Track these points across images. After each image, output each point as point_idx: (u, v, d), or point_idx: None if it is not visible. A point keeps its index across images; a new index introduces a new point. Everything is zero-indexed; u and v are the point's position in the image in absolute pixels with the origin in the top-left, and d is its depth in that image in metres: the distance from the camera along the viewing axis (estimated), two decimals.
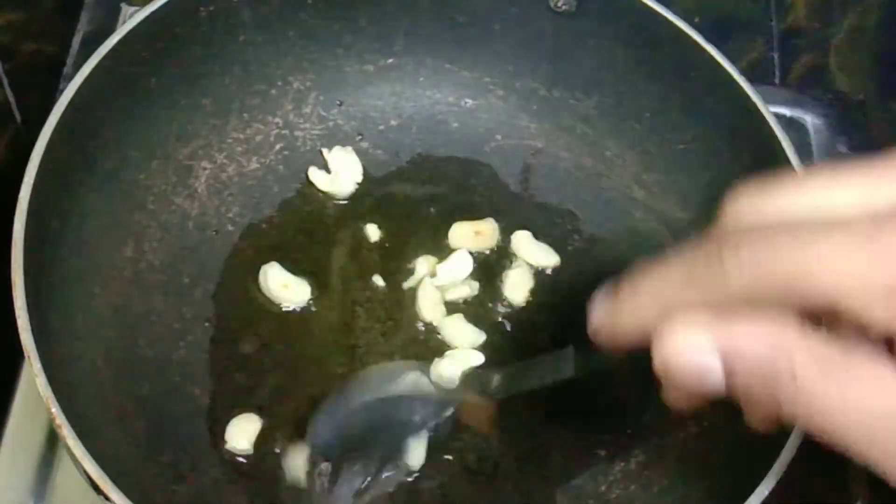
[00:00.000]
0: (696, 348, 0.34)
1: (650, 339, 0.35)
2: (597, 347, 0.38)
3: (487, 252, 0.61)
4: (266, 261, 0.59)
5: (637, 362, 0.39)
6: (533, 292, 0.60)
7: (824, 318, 0.33)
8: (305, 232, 0.61)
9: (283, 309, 0.58)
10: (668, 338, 0.34)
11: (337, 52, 0.63)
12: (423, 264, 0.60)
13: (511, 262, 0.61)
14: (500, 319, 0.59)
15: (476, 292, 0.60)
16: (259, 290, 0.58)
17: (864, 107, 0.74)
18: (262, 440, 0.55)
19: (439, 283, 0.59)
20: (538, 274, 0.61)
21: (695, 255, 0.34)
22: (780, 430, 0.47)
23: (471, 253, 0.60)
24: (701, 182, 0.59)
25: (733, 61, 0.56)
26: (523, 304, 0.60)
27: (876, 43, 0.73)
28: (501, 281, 0.60)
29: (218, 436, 0.54)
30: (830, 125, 0.73)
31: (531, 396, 0.56)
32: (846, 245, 0.31)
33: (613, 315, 0.37)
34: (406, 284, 0.59)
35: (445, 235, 0.61)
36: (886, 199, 0.33)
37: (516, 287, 0.60)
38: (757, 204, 0.35)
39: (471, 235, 0.61)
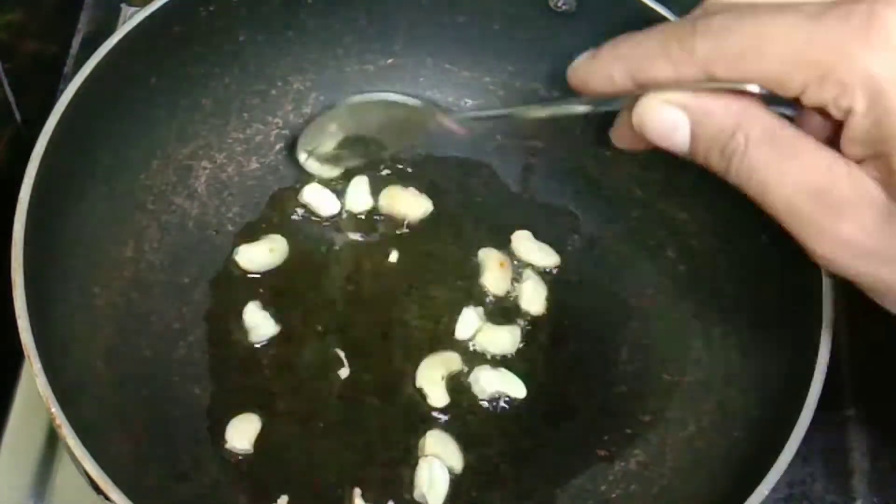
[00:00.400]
0: (670, 110, 0.39)
1: (616, 94, 0.41)
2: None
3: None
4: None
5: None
6: (549, 299, 0.60)
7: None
8: (305, 233, 0.61)
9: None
10: (647, 103, 0.40)
11: (337, 52, 0.63)
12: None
13: (521, 274, 0.61)
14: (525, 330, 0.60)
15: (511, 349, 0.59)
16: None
17: None
18: (261, 440, 0.55)
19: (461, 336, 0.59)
20: (547, 277, 0.61)
21: (673, 25, 0.39)
22: (780, 431, 0.47)
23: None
24: (701, 182, 0.59)
25: None
26: (542, 313, 0.60)
27: None
28: (517, 295, 0.60)
29: (218, 436, 0.54)
30: None
31: (532, 397, 0.57)
32: (794, 25, 0.35)
33: (592, 66, 0.42)
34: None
35: (445, 235, 0.62)
36: None
37: (532, 297, 0.60)
38: None
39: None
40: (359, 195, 0.62)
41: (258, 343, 0.57)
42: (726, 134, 0.38)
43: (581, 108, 0.47)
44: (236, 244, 0.60)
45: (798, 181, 0.37)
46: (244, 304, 0.58)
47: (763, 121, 0.38)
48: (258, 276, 0.59)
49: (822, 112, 0.37)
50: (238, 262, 0.59)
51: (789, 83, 0.36)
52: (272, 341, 0.57)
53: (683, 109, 0.39)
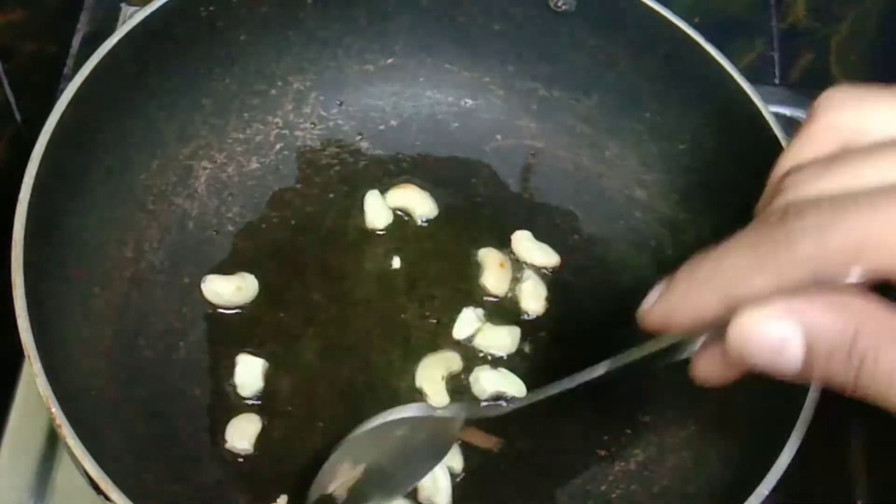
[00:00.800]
0: (778, 323, 0.33)
1: (706, 326, 0.35)
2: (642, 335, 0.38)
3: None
4: (266, 261, 0.60)
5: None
6: (549, 299, 0.60)
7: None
8: (306, 232, 0.61)
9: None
10: (747, 320, 0.33)
11: (337, 52, 0.63)
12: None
13: (521, 274, 0.61)
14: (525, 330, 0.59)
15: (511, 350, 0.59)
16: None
17: None
18: (261, 440, 0.55)
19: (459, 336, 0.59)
20: (547, 277, 0.61)
21: (755, 231, 0.34)
22: (780, 431, 0.47)
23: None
24: (701, 182, 0.59)
25: (733, 61, 0.56)
26: (542, 312, 0.60)
27: (876, 43, 0.73)
28: (517, 295, 0.60)
29: (218, 435, 0.54)
30: None
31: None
32: None
33: (672, 299, 0.36)
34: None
35: (445, 235, 0.62)
36: None
37: (532, 297, 0.60)
38: (810, 174, 0.34)
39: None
40: (377, 211, 0.62)
41: (249, 400, 0.56)
42: (847, 338, 0.32)
43: (642, 361, 0.41)
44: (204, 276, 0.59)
45: None
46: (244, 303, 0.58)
47: (885, 316, 0.33)
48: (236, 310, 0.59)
49: None
50: (204, 294, 0.58)
51: None
52: (272, 350, 0.57)
53: (794, 320, 0.33)
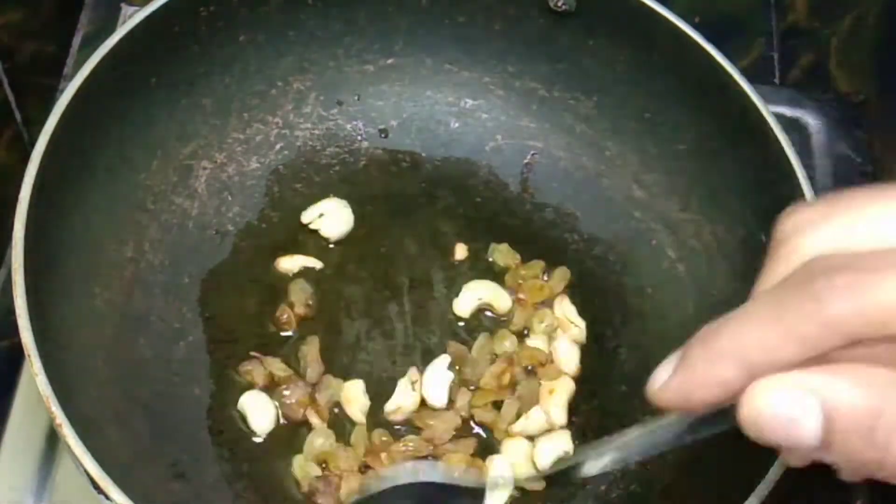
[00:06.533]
0: (789, 403, 0.31)
1: (729, 401, 0.32)
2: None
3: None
4: (266, 260, 0.60)
5: None
6: (583, 361, 0.59)
7: None
8: (305, 232, 0.61)
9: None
10: (757, 391, 0.31)
11: (337, 52, 0.63)
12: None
13: (554, 333, 0.59)
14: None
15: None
16: None
17: (864, 107, 0.74)
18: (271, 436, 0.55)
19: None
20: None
21: (776, 295, 0.31)
22: None
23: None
24: (701, 182, 0.59)
25: (733, 61, 0.56)
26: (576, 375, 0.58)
27: (876, 43, 0.73)
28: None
29: (218, 435, 0.54)
30: (830, 125, 0.73)
31: None
32: None
33: (690, 374, 0.33)
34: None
35: (445, 235, 0.62)
36: None
37: (566, 361, 0.58)
38: (825, 234, 0.33)
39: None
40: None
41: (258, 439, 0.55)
42: (871, 417, 0.30)
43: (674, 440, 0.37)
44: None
45: None
46: (244, 303, 0.58)
47: None
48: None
49: None
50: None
51: None
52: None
53: (809, 393, 0.31)
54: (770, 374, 0.31)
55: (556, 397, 0.56)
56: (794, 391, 0.31)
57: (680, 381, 0.33)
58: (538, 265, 0.61)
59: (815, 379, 0.31)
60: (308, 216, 0.61)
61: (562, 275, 0.60)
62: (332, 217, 0.61)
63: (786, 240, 0.34)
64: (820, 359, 0.30)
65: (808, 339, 0.30)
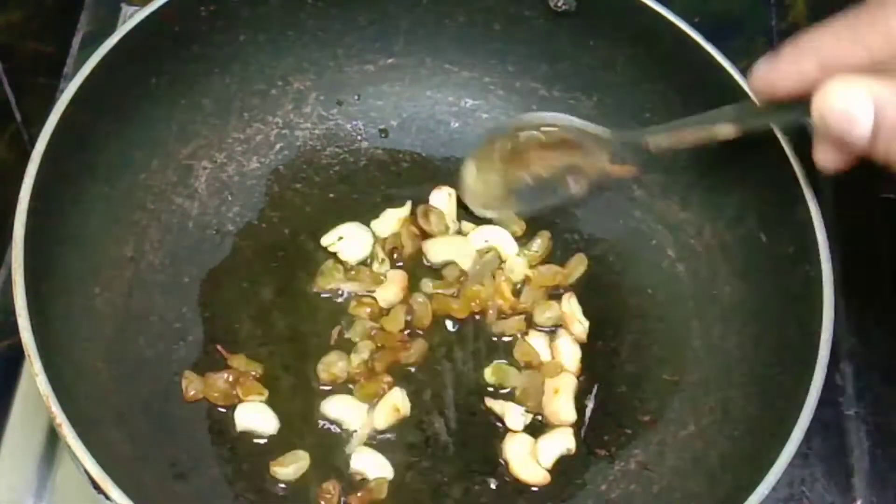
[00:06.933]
0: (853, 99, 0.38)
1: (805, 92, 0.40)
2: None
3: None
4: (266, 261, 0.60)
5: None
6: (583, 361, 0.59)
7: None
8: (306, 232, 0.61)
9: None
10: (830, 88, 0.38)
11: (337, 52, 0.63)
12: None
13: (554, 332, 0.59)
14: None
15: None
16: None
17: None
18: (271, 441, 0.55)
19: None
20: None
21: (855, 12, 0.38)
22: (780, 431, 0.47)
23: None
24: (701, 182, 0.59)
25: (733, 61, 0.56)
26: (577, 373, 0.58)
27: None
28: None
29: (218, 435, 0.54)
30: None
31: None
32: None
33: (778, 66, 0.42)
34: None
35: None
36: None
37: (567, 359, 0.58)
38: None
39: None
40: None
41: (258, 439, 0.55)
42: None
43: (728, 129, 0.48)
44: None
45: None
46: (244, 302, 0.58)
47: None
48: None
49: None
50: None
51: None
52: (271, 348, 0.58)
53: (869, 94, 0.38)
54: (840, 74, 0.38)
55: (563, 396, 0.57)
56: (853, 91, 0.38)
57: (771, 69, 0.42)
58: (545, 235, 0.61)
59: (872, 83, 0.37)
60: (328, 239, 0.60)
61: (579, 261, 0.61)
62: (351, 241, 0.61)
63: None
64: (881, 70, 0.37)
65: (873, 47, 0.38)
